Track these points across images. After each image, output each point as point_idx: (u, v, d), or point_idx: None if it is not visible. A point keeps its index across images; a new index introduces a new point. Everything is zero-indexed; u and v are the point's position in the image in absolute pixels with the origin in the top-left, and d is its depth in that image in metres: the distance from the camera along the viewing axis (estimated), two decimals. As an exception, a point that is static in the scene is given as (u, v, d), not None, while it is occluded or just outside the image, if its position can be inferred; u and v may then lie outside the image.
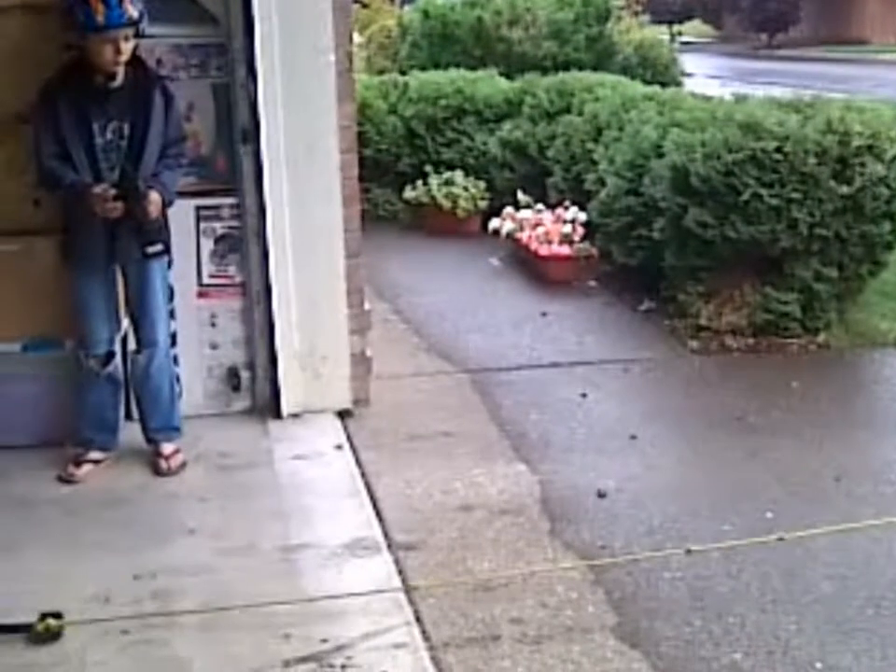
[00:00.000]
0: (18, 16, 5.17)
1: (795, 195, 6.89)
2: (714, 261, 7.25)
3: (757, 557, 4.50)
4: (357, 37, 14.57)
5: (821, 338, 7.20)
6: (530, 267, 8.79)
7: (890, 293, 7.96)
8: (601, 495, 5.11)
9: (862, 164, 6.93)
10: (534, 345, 7.17)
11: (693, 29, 43.77)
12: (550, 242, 8.58)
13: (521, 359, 6.92)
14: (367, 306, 5.94)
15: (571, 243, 8.52)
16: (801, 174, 6.89)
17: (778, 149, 6.89)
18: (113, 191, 4.75)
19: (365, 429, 5.76)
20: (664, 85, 10.85)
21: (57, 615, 3.89)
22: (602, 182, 8.41)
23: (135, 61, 4.88)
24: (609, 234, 8.27)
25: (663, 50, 14.03)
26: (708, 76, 21.96)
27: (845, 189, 6.91)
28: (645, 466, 5.44)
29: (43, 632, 3.85)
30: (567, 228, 8.56)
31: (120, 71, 4.82)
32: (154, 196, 4.84)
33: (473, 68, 11.76)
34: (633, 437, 5.74)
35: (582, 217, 8.57)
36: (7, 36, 5.15)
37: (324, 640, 3.86)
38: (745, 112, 7.28)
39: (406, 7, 15.28)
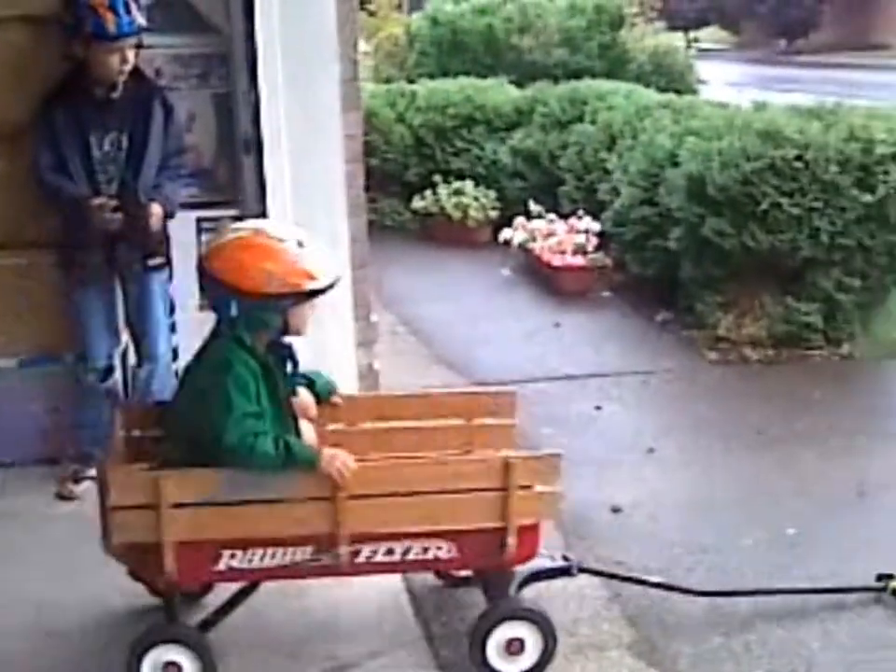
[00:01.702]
0: (16, 27, 5.08)
1: (816, 204, 6.80)
2: (732, 271, 7.14)
3: (779, 573, 4.39)
4: (363, 46, 14.48)
5: (844, 349, 7.08)
6: (542, 278, 8.67)
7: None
8: (616, 510, 5.01)
9: (886, 172, 6.83)
10: (547, 357, 7.06)
11: (711, 35, 43.57)
12: (563, 252, 8.48)
13: (534, 372, 6.78)
14: (374, 318, 5.83)
15: (585, 253, 8.42)
16: (822, 182, 6.79)
17: (799, 157, 6.80)
18: (113, 203, 4.69)
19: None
20: (679, 93, 10.73)
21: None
22: (616, 192, 8.32)
23: (134, 71, 4.82)
24: (623, 244, 8.18)
25: (678, 57, 13.89)
26: (726, 83, 21.83)
27: (868, 198, 6.81)
28: (663, 480, 5.34)
29: None
30: (581, 238, 8.46)
31: (121, 81, 4.75)
32: (155, 208, 4.79)
33: (483, 76, 11.68)
34: (650, 450, 5.64)
35: (596, 227, 8.47)
36: (5, 48, 5.07)
37: (331, 658, 3.80)
38: (764, 120, 7.20)
39: (414, 15, 15.16)
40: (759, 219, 6.85)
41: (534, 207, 9.15)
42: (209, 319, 5.47)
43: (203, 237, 5.46)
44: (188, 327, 5.44)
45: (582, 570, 4.07)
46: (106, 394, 5.06)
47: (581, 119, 9.72)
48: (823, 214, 6.79)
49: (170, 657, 3.59)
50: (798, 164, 6.79)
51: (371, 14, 15.17)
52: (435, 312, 8.01)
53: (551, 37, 12.82)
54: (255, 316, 3.56)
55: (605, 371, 6.81)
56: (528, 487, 3.64)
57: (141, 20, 4.69)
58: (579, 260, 8.42)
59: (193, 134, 5.33)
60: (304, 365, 5.35)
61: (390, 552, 3.63)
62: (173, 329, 5.25)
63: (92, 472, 5.04)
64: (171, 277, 5.11)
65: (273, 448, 3.45)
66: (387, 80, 12.93)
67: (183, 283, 5.34)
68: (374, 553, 3.62)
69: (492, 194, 10.14)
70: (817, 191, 6.79)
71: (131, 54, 4.72)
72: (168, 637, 3.63)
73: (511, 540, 3.63)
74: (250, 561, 3.57)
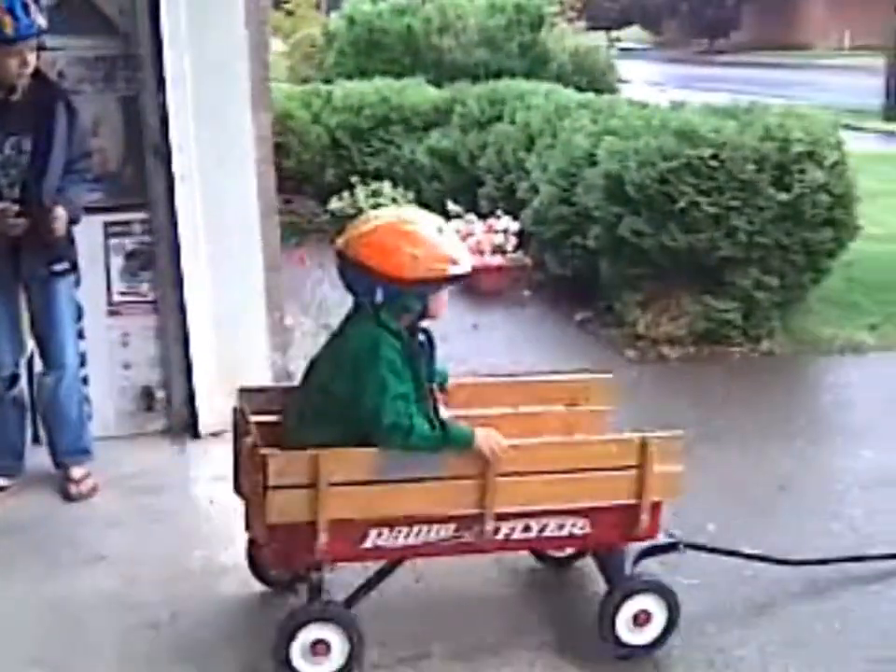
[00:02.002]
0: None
1: (734, 203, 6.80)
2: (651, 270, 7.13)
3: (701, 570, 4.34)
4: (281, 46, 14.35)
5: (764, 346, 7.12)
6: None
7: (833, 300, 7.88)
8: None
9: (802, 171, 6.85)
10: (465, 359, 6.95)
11: (633, 35, 43.93)
12: (481, 252, 8.42)
13: (450, 374, 6.72)
14: (289, 321, 5.76)
15: (504, 253, 8.39)
16: (739, 181, 6.79)
17: (715, 156, 6.79)
18: (15, 208, 4.58)
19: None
20: (600, 92, 10.74)
21: None
22: (535, 191, 8.29)
23: (36, 73, 4.71)
24: (542, 243, 8.15)
25: (599, 57, 13.94)
26: (647, 82, 21.99)
27: (784, 196, 6.82)
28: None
29: None
30: (500, 238, 8.43)
31: (21, 84, 4.63)
32: (59, 212, 4.66)
33: (403, 77, 11.63)
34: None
35: (515, 226, 8.44)
36: None
37: (245, 666, 3.76)
38: (680, 119, 7.18)
39: (332, 15, 15.05)
40: (676, 218, 6.83)
41: (452, 208, 9.09)
42: (117, 325, 5.43)
43: (112, 241, 5.38)
44: (96, 332, 5.36)
45: (689, 546, 4.17)
46: (12, 402, 4.97)
47: (500, 118, 9.68)
48: (741, 213, 6.80)
49: (319, 635, 3.61)
50: (714, 163, 6.78)
51: (289, 13, 15.07)
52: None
53: (471, 37, 12.82)
54: (399, 301, 3.60)
55: (522, 371, 6.75)
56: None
57: (41, 21, 4.58)
58: (497, 260, 8.38)
59: (99, 138, 5.24)
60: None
61: (527, 528, 3.75)
62: (80, 335, 5.14)
63: (-1, 482, 4.98)
64: (78, 282, 4.99)
65: (430, 428, 3.55)
66: (305, 81, 12.85)
67: (91, 288, 5.26)
68: (513, 530, 3.73)
69: (410, 195, 10.05)
70: (734, 190, 6.79)
71: (31, 57, 4.61)
72: (318, 616, 3.65)
73: (645, 517, 3.79)
74: (395, 539, 3.65)
